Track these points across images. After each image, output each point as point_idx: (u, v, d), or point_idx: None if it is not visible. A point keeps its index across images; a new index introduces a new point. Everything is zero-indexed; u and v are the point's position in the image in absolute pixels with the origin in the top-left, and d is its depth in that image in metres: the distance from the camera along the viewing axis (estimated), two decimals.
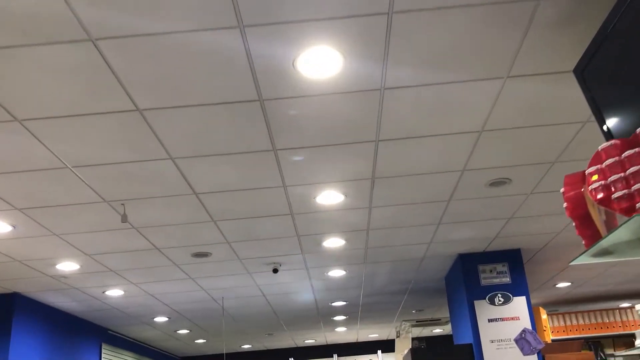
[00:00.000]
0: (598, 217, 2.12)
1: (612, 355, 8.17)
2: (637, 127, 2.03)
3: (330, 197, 4.26)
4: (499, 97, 3.06)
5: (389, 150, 3.58)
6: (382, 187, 4.13)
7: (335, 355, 12.05)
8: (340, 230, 5.02)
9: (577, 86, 3.00)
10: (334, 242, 5.34)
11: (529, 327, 5.64)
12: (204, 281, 6.30)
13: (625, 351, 7.44)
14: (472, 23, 2.49)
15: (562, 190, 2.22)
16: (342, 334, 10.92)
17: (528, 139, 3.56)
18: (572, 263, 2.26)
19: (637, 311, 6.97)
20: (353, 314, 9.00)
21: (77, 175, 3.60)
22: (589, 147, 3.74)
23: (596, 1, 2.41)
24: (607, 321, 8.07)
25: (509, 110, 3.22)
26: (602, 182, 1.96)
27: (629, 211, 1.87)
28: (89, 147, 3.27)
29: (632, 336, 8.12)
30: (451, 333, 11.44)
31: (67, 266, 5.34)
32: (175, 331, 9.10)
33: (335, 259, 5.89)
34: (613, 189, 1.92)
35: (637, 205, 1.84)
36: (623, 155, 1.91)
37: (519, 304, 5.75)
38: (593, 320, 8.08)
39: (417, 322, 8.86)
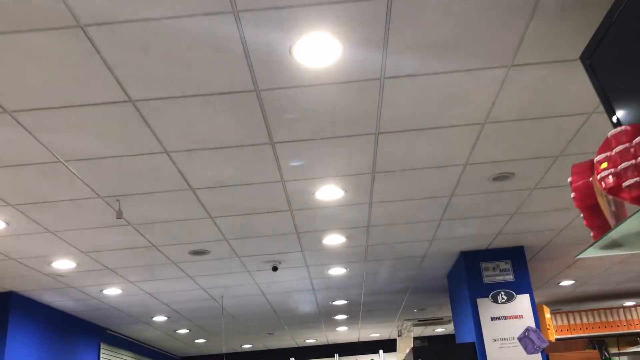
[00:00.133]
0: (607, 207, 2.04)
1: (617, 355, 8.08)
2: None
3: (329, 193, 4.17)
4: (502, 86, 2.97)
5: (390, 144, 3.49)
6: (383, 182, 4.04)
7: (336, 355, 11.97)
8: (340, 227, 4.93)
9: (583, 75, 2.92)
10: (334, 239, 5.26)
11: (533, 325, 5.55)
12: (203, 280, 6.22)
13: (631, 348, 7.35)
14: (474, 9, 2.40)
15: (569, 179, 2.13)
16: (343, 333, 10.84)
17: (532, 131, 3.47)
18: (579, 256, 2.17)
19: None
20: (354, 313, 8.92)
21: (71, 170, 3.52)
22: (594, 140, 3.65)
23: None
24: (611, 320, 7.98)
25: (513, 101, 3.13)
26: (612, 170, 1.87)
27: None
28: (81, 140, 3.19)
29: (637, 335, 8.03)
30: (453, 332, 11.36)
31: (63, 264, 5.26)
32: (175, 331, 9.02)
33: (336, 256, 5.81)
34: (623, 177, 1.83)
35: None
36: (634, 141, 1.82)
37: (523, 302, 5.66)
38: (597, 319, 7.98)
39: (419, 321, 8.78)
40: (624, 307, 8.06)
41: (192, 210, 4.28)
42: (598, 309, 8.02)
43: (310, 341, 11.55)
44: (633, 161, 1.80)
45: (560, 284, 7.79)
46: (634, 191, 1.79)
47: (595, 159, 1.97)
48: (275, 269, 5.87)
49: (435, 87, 2.93)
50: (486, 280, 5.82)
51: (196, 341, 10.16)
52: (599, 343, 8.08)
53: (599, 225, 2.06)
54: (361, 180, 4.00)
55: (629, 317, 7.97)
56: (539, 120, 3.35)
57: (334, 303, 8.04)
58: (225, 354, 12.04)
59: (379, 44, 2.57)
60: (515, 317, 5.62)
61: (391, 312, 9.08)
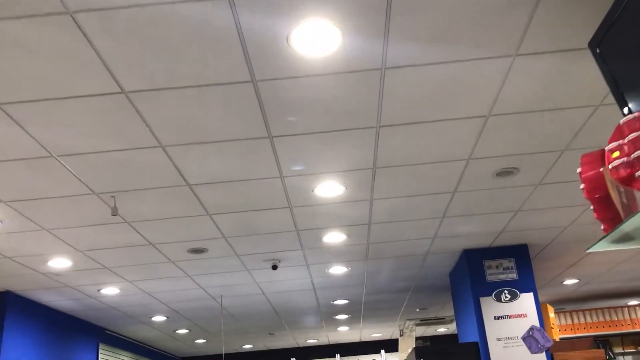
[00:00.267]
0: (618, 199, 1.94)
1: (622, 354, 7.98)
2: None
3: (329, 189, 4.08)
4: (507, 77, 2.88)
5: (391, 137, 3.40)
6: (384, 177, 3.95)
7: (337, 355, 11.87)
8: (340, 224, 4.84)
9: (590, 65, 2.82)
10: (334, 237, 5.16)
11: (537, 324, 5.46)
12: (202, 279, 6.13)
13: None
14: None
15: (578, 170, 2.04)
16: (344, 333, 10.75)
17: (537, 124, 3.38)
18: (589, 250, 2.08)
19: None
20: (355, 313, 8.83)
21: (64, 165, 3.43)
22: (601, 133, 3.55)
23: None
24: (616, 319, 7.88)
25: (518, 92, 3.04)
26: (625, 159, 1.78)
27: None
28: (74, 134, 3.10)
29: None
30: (456, 332, 11.27)
31: (59, 263, 5.17)
32: (174, 331, 8.94)
33: (337, 255, 5.72)
34: (637, 166, 1.74)
35: None
36: None
37: (527, 300, 5.56)
38: (601, 318, 7.89)
39: (421, 320, 8.69)
40: (628, 306, 7.97)
41: (189, 207, 4.19)
42: (602, 308, 7.92)
43: (312, 341, 11.46)
44: None
45: (563, 283, 7.70)
46: None
47: (607, 148, 1.88)
48: (275, 267, 5.78)
49: (437, 77, 2.84)
50: (489, 278, 5.72)
51: (196, 341, 10.08)
52: (603, 342, 7.99)
53: (610, 217, 1.97)
54: (362, 176, 3.91)
55: (633, 316, 7.88)
56: (545, 112, 3.25)
57: (335, 302, 7.95)
58: (226, 354, 11.95)
59: (379, 32, 2.48)
60: (519, 316, 5.52)
61: (393, 312, 8.99)
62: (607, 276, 7.52)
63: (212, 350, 11.39)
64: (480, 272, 5.77)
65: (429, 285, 7.38)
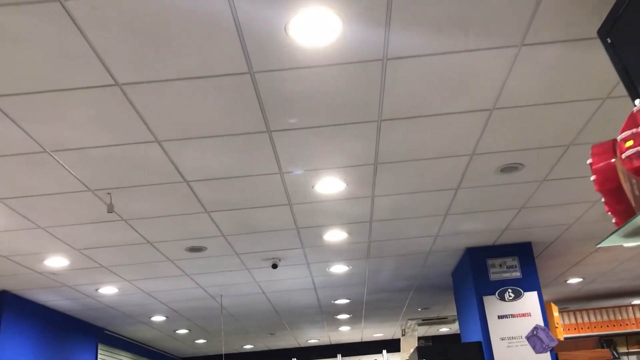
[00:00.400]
0: (631, 191, 1.86)
1: (626, 354, 7.89)
2: None
3: (330, 185, 4.00)
4: (512, 68, 2.80)
5: (393, 132, 3.32)
6: (386, 173, 3.87)
7: (339, 355, 11.79)
8: (341, 221, 4.76)
9: (598, 55, 2.74)
10: (335, 235, 5.08)
11: (541, 323, 5.37)
12: (201, 278, 6.05)
13: None
14: None
15: (589, 161, 1.95)
16: (346, 333, 10.66)
17: (542, 117, 3.29)
18: (600, 245, 1.99)
19: None
20: (357, 313, 8.74)
21: (58, 161, 3.35)
22: (608, 128, 3.47)
23: None
24: (620, 318, 7.80)
25: (523, 84, 2.95)
26: (638, 148, 1.70)
27: None
28: (67, 129, 3.02)
29: None
30: (458, 332, 11.18)
31: (56, 262, 5.09)
32: (174, 331, 8.86)
33: (337, 253, 5.63)
34: None
35: None
36: None
37: (531, 299, 5.47)
38: (605, 318, 7.80)
39: (423, 320, 8.60)
40: (633, 305, 7.88)
41: (186, 204, 4.11)
42: (606, 308, 7.84)
43: (313, 341, 11.38)
44: None
45: (567, 282, 7.61)
46: None
47: (619, 137, 1.79)
48: (275, 266, 5.70)
49: (440, 69, 2.76)
50: (493, 277, 5.64)
51: (196, 341, 10.00)
52: (607, 342, 7.90)
53: (622, 210, 1.89)
54: (363, 172, 3.83)
55: (637, 315, 7.79)
56: (550, 105, 3.17)
57: (336, 302, 7.86)
58: (226, 354, 11.87)
59: (381, 21, 2.40)
60: (523, 315, 5.44)
61: (394, 311, 8.90)
62: (612, 275, 7.43)
63: (213, 351, 11.31)
64: (483, 270, 5.68)
65: (431, 284, 7.29)
